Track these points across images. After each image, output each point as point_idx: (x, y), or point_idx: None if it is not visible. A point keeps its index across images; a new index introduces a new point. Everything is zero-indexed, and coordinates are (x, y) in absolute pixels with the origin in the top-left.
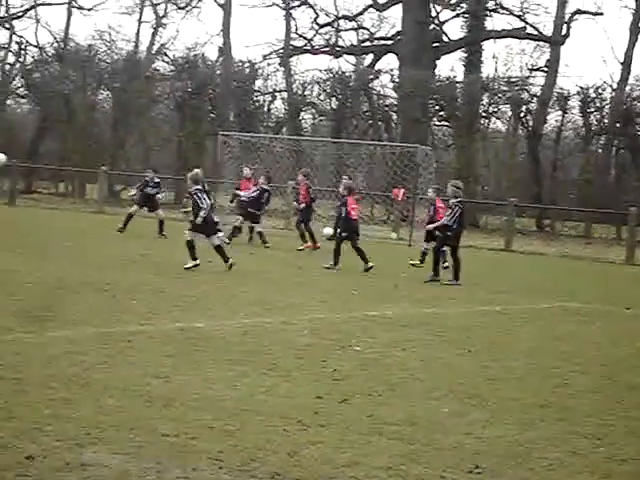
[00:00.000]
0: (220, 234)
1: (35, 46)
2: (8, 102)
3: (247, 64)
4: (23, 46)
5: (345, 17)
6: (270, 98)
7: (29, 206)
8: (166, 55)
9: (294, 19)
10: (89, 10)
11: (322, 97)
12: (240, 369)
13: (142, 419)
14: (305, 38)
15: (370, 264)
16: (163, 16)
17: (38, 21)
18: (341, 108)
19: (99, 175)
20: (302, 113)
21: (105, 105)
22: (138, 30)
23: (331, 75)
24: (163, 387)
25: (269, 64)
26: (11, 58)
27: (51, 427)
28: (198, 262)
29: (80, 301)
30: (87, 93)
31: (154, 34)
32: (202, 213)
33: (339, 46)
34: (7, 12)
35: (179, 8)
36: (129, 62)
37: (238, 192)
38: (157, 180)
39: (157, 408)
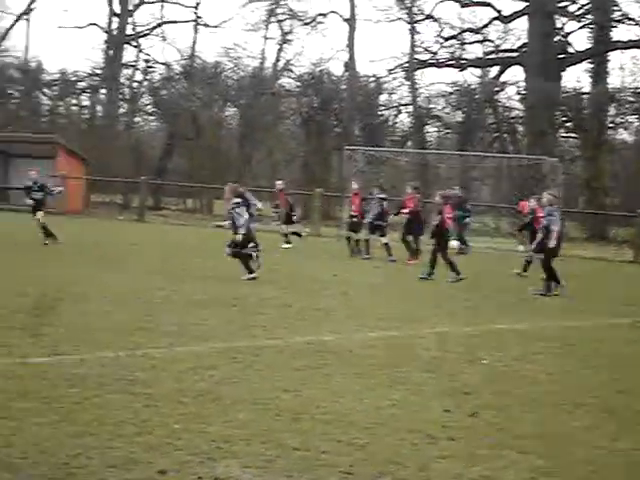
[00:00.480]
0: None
1: (162, 64)
2: (136, 120)
3: (372, 78)
4: (150, 64)
5: (470, 30)
6: (395, 112)
7: (158, 222)
8: (292, 71)
9: (419, 33)
10: (215, 27)
11: (447, 110)
12: (368, 382)
13: (272, 433)
14: (430, 51)
15: (461, 276)
16: (288, 32)
17: (165, 39)
18: (466, 121)
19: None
20: (427, 126)
21: (232, 121)
22: (264, 47)
23: (456, 88)
24: (292, 401)
25: (394, 78)
26: (139, 76)
27: (182, 441)
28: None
29: (209, 316)
30: (214, 110)
31: (280, 50)
32: (241, 230)
33: (464, 59)
34: (134, 30)
35: (304, 24)
36: (255, 78)
37: (403, 210)
38: None
39: (286, 422)
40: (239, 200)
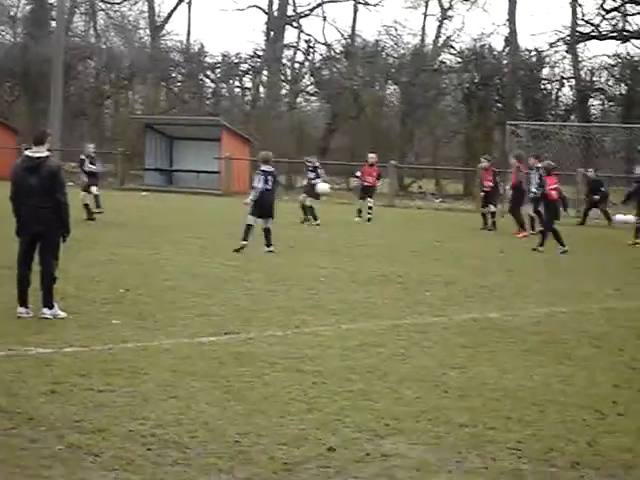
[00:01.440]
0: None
1: (323, 44)
2: (298, 100)
3: (534, 52)
4: (311, 44)
5: (632, 1)
6: (558, 86)
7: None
8: (452, 47)
9: (580, 5)
10: (375, 6)
11: (611, 83)
12: (535, 359)
13: (440, 410)
14: (592, 24)
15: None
16: (448, 8)
17: (325, 19)
18: (630, 93)
19: (388, 169)
20: (591, 99)
21: (393, 99)
22: (424, 23)
23: (619, 60)
24: (459, 378)
25: (556, 51)
26: (300, 56)
27: (350, 418)
28: (246, 243)
29: (374, 294)
30: (375, 88)
31: (440, 27)
32: (251, 196)
33: (627, 31)
34: (295, 11)
35: (464, 0)
36: (416, 56)
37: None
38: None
39: (454, 399)
40: (264, 168)
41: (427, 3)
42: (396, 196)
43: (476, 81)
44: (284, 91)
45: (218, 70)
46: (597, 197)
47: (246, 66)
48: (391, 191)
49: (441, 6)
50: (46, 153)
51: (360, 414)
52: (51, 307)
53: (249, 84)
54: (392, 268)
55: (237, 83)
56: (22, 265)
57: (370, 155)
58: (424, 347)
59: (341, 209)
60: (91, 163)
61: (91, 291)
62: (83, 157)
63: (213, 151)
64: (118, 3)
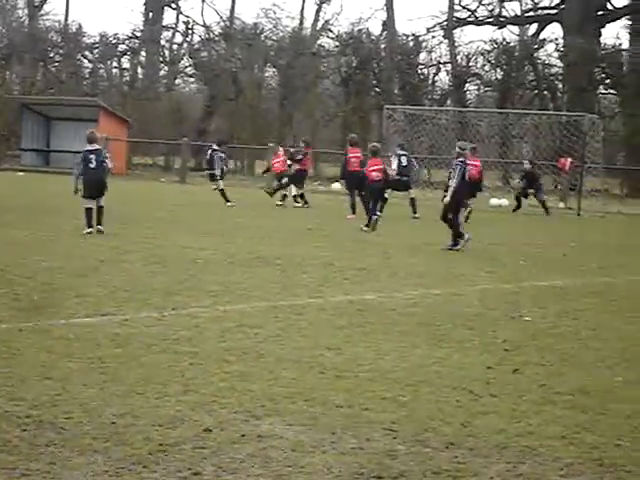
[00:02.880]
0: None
1: (202, 25)
2: (177, 82)
3: (411, 37)
4: (190, 26)
5: None
6: (434, 70)
7: (199, 184)
8: (331, 31)
9: None
10: None
11: (487, 68)
12: (411, 340)
13: (316, 390)
14: (468, 9)
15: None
16: None
17: (204, 0)
18: (506, 78)
19: (267, 151)
20: (467, 84)
21: (272, 82)
22: (302, 7)
23: (495, 46)
24: (335, 359)
25: (433, 37)
26: (179, 38)
27: (227, 400)
28: None
29: (252, 275)
30: (254, 71)
31: (318, 10)
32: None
33: (503, 16)
34: None
35: None
36: (295, 39)
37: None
38: None
39: (330, 379)
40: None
41: None
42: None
43: (354, 65)
44: (162, 72)
45: (96, 50)
46: (531, 190)
47: (124, 47)
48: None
49: None
50: None
51: (236, 395)
52: None
53: (127, 65)
54: (270, 250)
55: (115, 64)
56: None
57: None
58: (301, 328)
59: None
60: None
61: None
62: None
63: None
64: None
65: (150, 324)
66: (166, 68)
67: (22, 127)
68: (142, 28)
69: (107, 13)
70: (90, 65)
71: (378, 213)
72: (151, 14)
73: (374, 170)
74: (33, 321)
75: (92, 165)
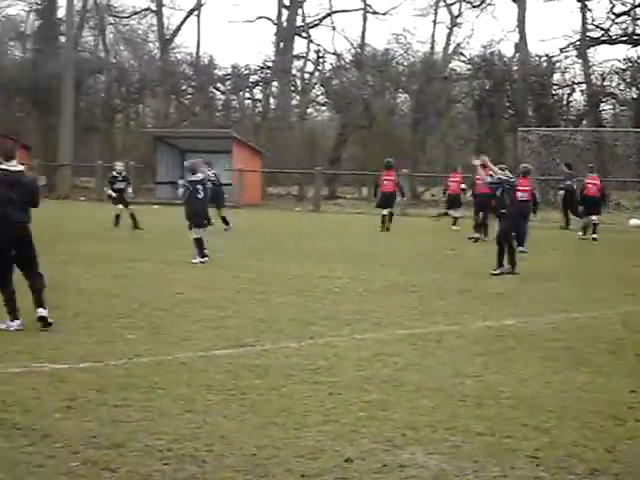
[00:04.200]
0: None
1: (333, 53)
2: (309, 110)
3: (544, 58)
4: (321, 54)
5: None
6: (568, 91)
7: (333, 212)
8: (462, 54)
9: (590, 10)
10: (384, 14)
11: (622, 87)
12: (552, 365)
13: (456, 419)
14: (602, 28)
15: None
16: (458, 16)
17: (334, 28)
18: None
19: (401, 178)
20: (602, 104)
21: (404, 108)
22: (433, 31)
23: (630, 64)
24: (475, 386)
25: (566, 57)
26: (310, 67)
27: (367, 429)
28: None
29: (389, 303)
30: (385, 97)
31: (449, 34)
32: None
33: (637, 34)
34: (304, 21)
35: (473, 7)
36: (426, 64)
37: None
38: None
39: (471, 407)
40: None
41: (436, 11)
42: (409, 204)
43: (487, 88)
44: (294, 102)
45: (228, 82)
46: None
47: (256, 77)
48: (404, 200)
49: (450, 13)
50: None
51: (377, 424)
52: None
53: (259, 95)
54: (405, 277)
55: (247, 95)
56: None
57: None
58: (439, 356)
59: (357, 219)
60: (121, 180)
61: (105, 306)
62: (115, 174)
63: (224, 163)
64: (127, 17)
65: (289, 354)
66: (298, 97)
67: (156, 160)
68: (273, 58)
69: (238, 44)
70: (222, 97)
71: (522, 248)
72: (282, 44)
73: (521, 190)
74: (172, 354)
75: (200, 195)
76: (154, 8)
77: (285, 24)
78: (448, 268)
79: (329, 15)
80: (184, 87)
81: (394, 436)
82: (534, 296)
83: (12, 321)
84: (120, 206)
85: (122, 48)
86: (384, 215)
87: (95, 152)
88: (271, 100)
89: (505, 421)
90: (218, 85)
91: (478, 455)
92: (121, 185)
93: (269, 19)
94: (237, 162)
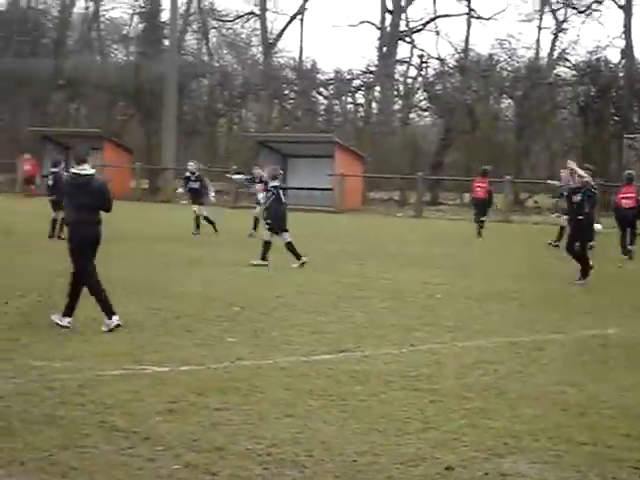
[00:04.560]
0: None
1: (436, 58)
2: (411, 115)
3: None
4: (424, 59)
5: None
6: None
7: (436, 218)
8: (567, 60)
9: None
10: (488, 19)
11: None
12: None
13: (559, 428)
14: None
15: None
16: (563, 21)
17: (438, 33)
18: None
19: (504, 184)
20: None
21: (507, 114)
22: (538, 36)
23: None
24: (578, 395)
25: None
26: (413, 72)
27: (468, 437)
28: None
29: (490, 310)
30: (489, 103)
31: (554, 40)
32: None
33: None
34: (407, 26)
35: (579, 12)
36: (531, 69)
37: None
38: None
39: (573, 416)
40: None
41: (541, 16)
42: (512, 211)
43: (592, 94)
44: (397, 106)
45: (331, 86)
46: None
47: (358, 82)
48: (507, 206)
49: (556, 19)
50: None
51: (478, 432)
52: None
53: (362, 100)
54: (506, 284)
55: (350, 99)
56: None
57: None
58: (542, 364)
59: (459, 225)
60: (194, 180)
61: (206, 309)
62: (188, 174)
63: (326, 168)
64: (230, 21)
65: (389, 360)
66: (400, 102)
67: (259, 164)
68: (376, 63)
69: (341, 49)
70: (325, 101)
71: (631, 247)
72: (385, 48)
73: (625, 198)
74: (273, 358)
75: (284, 199)
76: (257, 12)
77: (388, 29)
78: (549, 276)
79: (433, 20)
80: (287, 91)
81: (495, 444)
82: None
83: (110, 319)
84: (195, 207)
85: (225, 52)
86: (479, 222)
87: (198, 156)
88: (373, 105)
89: (607, 430)
90: (321, 89)
91: (580, 465)
92: (194, 185)
93: (372, 24)
94: (339, 167)
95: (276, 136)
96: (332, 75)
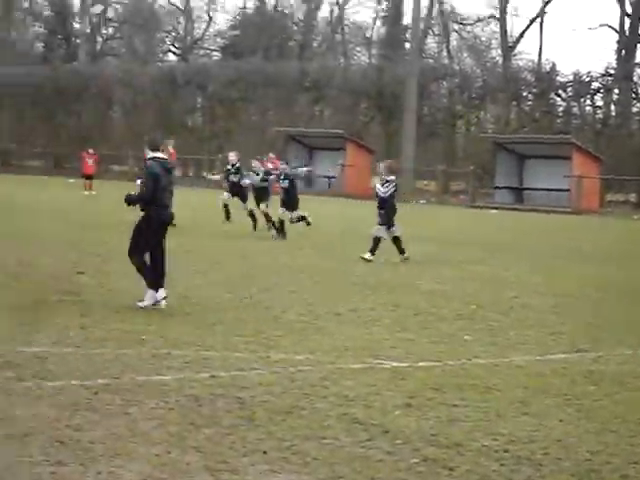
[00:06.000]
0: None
1: None
2: None
3: None
4: None
5: None
6: None
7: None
8: None
9: None
10: None
11: None
12: None
13: None
14: None
15: None
16: None
17: None
18: None
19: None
20: None
21: None
22: None
23: None
24: None
25: None
26: None
27: None
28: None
29: None
30: None
31: None
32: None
33: None
34: None
35: None
36: None
37: None
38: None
39: None
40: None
41: None
42: None
43: None
44: (635, 109)
45: (569, 89)
46: None
47: (597, 84)
48: None
49: None
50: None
51: None
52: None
53: (600, 102)
54: None
55: (588, 102)
56: None
57: None
58: None
59: None
60: (234, 173)
61: (443, 307)
62: (229, 167)
63: (563, 169)
64: (471, 24)
65: (622, 361)
66: (639, 105)
67: (496, 165)
68: (615, 65)
69: (580, 51)
70: (563, 103)
71: None
72: (624, 51)
73: None
74: (509, 357)
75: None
76: (497, 15)
77: (627, 32)
78: None
79: None
80: (525, 93)
81: None
82: None
83: (157, 292)
84: (235, 198)
85: (465, 55)
86: None
87: (436, 156)
88: (612, 107)
89: None
90: (559, 92)
91: None
92: (235, 178)
93: (611, 27)
94: (576, 168)
95: (513, 137)
96: (571, 77)
